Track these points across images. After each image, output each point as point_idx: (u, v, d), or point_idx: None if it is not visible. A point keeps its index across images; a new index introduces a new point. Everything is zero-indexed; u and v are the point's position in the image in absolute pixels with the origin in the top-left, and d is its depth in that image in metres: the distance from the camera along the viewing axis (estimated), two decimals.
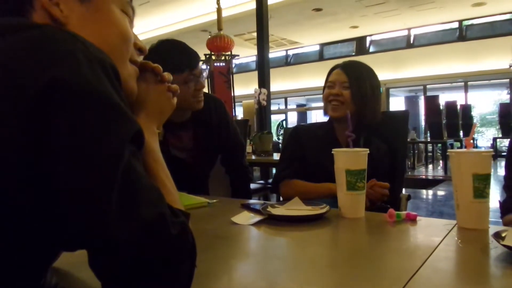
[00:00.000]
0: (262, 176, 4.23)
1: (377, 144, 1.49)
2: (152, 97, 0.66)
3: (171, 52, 1.47)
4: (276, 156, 3.22)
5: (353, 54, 12.87)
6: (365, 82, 1.46)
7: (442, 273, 0.66)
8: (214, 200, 1.27)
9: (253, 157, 3.20)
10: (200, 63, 1.67)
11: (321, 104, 1.61)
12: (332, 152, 1.08)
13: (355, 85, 1.45)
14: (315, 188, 1.37)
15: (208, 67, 6.40)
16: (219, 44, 6.23)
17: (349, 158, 1.05)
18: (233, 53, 6.48)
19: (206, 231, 0.94)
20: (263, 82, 6.38)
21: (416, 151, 9.22)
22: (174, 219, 0.46)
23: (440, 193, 6.14)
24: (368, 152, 1.08)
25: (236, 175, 1.81)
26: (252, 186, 3.38)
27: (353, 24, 11.55)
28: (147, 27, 9.86)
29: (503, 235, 0.75)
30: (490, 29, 11.79)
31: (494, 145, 9.94)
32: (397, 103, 14.87)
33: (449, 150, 0.99)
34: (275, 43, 12.70)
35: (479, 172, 0.87)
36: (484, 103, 15.53)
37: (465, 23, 12.19)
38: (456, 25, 12.26)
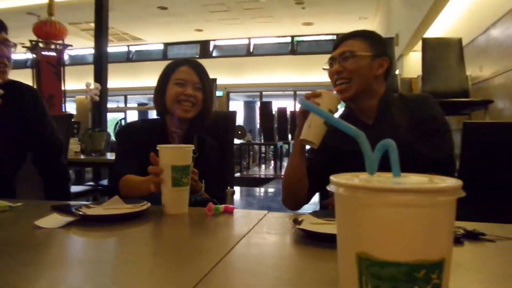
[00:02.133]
0: (94, 177, 3.91)
1: (209, 142, 1.53)
2: None
3: None
4: (110, 156, 3.02)
5: (197, 56, 13.11)
6: (210, 84, 1.48)
7: (247, 257, 0.70)
8: (18, 204, 1.10)
9: (82, 156, 2.93)
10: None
11: None
12: (157, 148, 1.05)
13: (207, 87, 1.45)
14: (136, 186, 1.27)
15: (34, 55, 5.64)
16: (49, 30, 5.56)
17: (175, 154, 1.04)
18: (66, 42, 5.86)
19: (5, 239, 0.81)
20: (100, 77, 5.94)
21: (251, 152, 9.90)
22: None
23: (270, 190, 6.73)
24: (194, 148, 1.09)
25: (52, 175, 1.60)
26: (81, 188, 3.09)
27: (198, 27, 11.76)
28: None
29: (300, 219, 0.85)
30: (316, 47, 13.57)
31: None
32: (237, 107, 15.77)
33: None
34: (115, 37, 11.98)
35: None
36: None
37: (297, 39, 13.74)
38: (289, 39, 13.70)
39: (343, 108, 1.57)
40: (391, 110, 1.34)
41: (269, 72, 13.05)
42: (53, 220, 0.91)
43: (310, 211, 1.02)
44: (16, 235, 0.85)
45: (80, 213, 0.94)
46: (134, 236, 0.88)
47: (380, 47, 1.36)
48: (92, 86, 3.49)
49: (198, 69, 1.46)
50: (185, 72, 1.45)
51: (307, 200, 1.36)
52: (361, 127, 1.30)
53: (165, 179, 1.03)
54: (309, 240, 0.77)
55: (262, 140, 9.50)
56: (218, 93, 12.05)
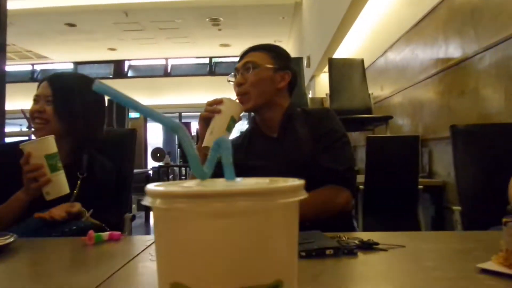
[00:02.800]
0: None
1: (101, 162, 1.38)
2: None
3: None
4: None
5: (111, 76, 12.55)
6: (73, 96, 1.29)
7: None
8: None
9: None
10: None
11: None
12: (20, 147, 1.11)
13: (59, 99, 1.27)
14: (7, 207, 1.15)
15: None
16: None
17: (44, 145, 1.13)
18: None
19: None
20: None
21: (171, 176, 9.64)
22: None
23: None
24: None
25: None
26: None
27: (111, 46, 11.29)
28: None
29: None
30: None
31: None
32: (155, 129, 15.31)
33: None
34: (17, 55, 11.01)
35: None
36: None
37: (215, 60, 13.86)
38: (207, 60, 13.77)
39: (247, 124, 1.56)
40: (294, 124, 1.34)
41: (187, 93, 12.92)
42: None
43: None
44: None
45: None
46: None
47: (283, 60, 1.37)
48: None
49: (54, 81, 1.31)
50: (41, 87, 1.30)
51: None
52: (266, 141, 1.27)
53: (42, 172, 1.10)
54: None
55: (182, 162, 9.29)
56: (134, 115, 11.59)
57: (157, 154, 9.89)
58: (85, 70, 12.74)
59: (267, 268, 0.23)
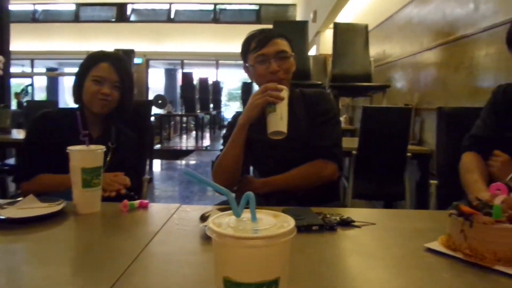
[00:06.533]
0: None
1: (126, 133, 1.58)
2: None
3: None
4: (17, 134, 2.87)
5: (113, 20, 12.34)
6: (132, 80, 1.51)
7: (158, 255, 0.82)
8: None
9: None
10: None
11: (75, 69, 1.50)
12: (67, 150, 1.07)
13: (127, 87, 1.48)
14: (62, 180, 1.29)
15: None
16: None
17: (85, 157, 1.07)
18: None
19: None
20: (2, 39, 5.38)
21: (172, 123, 9.81)
22: None
23: (192, 162, 6.82)
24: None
25: None
26: None
27: None
28: None
29: (207, 215, 0.98)
30: (239, 16, 13.50)
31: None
32: (157, 75, 15.28)
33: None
34: None
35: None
36: (231, 80, 17.81)
37: (219, 6, 13.52)
38: (211, 7, 13.43)
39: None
40: (293, 103, 1.51)
41: (190, 40, 12.77)
42: None
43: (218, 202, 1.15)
44: None
45: None
46: (49, 239, 0.93)
47: (292, 47, 1.50)
48: None
49: (118, 66, 1.46)
50: (104, 69, 1.44)
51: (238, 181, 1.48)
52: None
53: (75, 180, 1.06)
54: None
55: (183, 111, 9.44)
56: (137, 61, 11.56)
57: (159, 101, 9.99)
58: (87, 12, 12.48)
59: (273, 271, 0.44)
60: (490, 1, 2.44)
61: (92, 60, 1.47)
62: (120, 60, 1.50)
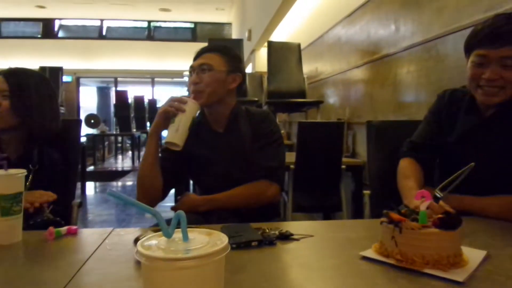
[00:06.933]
0: None
1: (50, 154, 1.47)
2: None
3: None
4: None
5: (39, 36, 11.67)
6: (30, 91, 1.39)
7: (88, 285, 0.76)
8: None
9: None
10: None
11: None
12: None
13: (16, 95, 1.36)
14: None
15: None
16: None
17: (3, 183, 0.96)
18: None
19: None
20: None
21: (106, 143, 9.41)
22: None
23: (128, 183, 6.54)
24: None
25: None
26: None
27: (39, 3, 10.43)
28: None
29: (142, 237, 0.93)
30: (174, 33, 13.40)
31: None
32: (89, 93, 14.60)
33: None
34: None
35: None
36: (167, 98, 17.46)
37: (153, 24, 13.34)
38: (145, 24, 13.22)
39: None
40: (238, 121, 1.52)
41: (124, 58, 12.42)
42: None
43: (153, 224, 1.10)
44: None
45: None
46: None
47: (235, 63, 1.52)
48: None
49: (10, 77, 1.39)
50: None
51: (162, 197, 1.46)
52: (213, 135, 1.46)
53: None
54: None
55: (118, 130, 9.09)
56: (66, 79, 10.96)
57: (91, 120, 9.56)
58: (10, 28, 11.69)
59: None
60: (408, 23, 2.66)
61: None
62: (15, 72, 1.42)
